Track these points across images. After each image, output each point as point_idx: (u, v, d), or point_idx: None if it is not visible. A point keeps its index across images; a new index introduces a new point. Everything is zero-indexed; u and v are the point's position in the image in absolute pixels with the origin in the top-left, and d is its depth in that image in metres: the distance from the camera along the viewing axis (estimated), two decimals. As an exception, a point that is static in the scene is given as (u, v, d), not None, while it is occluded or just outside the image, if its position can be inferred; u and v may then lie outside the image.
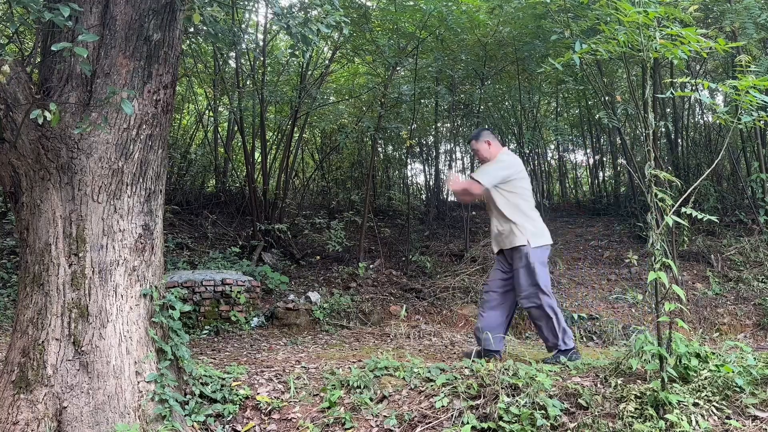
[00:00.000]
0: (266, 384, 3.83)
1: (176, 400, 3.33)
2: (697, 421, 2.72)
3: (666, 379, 2.87)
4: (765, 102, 2.98)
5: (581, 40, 3.36)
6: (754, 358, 3.29)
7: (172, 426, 3.23)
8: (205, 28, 3.99)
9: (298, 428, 3.38)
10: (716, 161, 4.01)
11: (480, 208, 11.54)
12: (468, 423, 3.03)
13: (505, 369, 3.41)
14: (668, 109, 9.39)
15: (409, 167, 12.67)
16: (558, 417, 2.93)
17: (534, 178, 11.71)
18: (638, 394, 2.93)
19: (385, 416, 3.29)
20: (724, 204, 8.62)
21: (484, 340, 4.17)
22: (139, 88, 3.35)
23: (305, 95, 8.61)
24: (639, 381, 3.10)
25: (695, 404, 2.82)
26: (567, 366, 3.67)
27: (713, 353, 3.31)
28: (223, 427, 3.46)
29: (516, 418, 2.98)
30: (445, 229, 9.92)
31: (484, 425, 3.01)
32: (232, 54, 8.70)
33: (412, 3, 7.50)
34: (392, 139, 11.06)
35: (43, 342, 3.15)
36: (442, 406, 3.25)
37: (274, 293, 7.31)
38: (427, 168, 12.33)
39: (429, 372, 3.64)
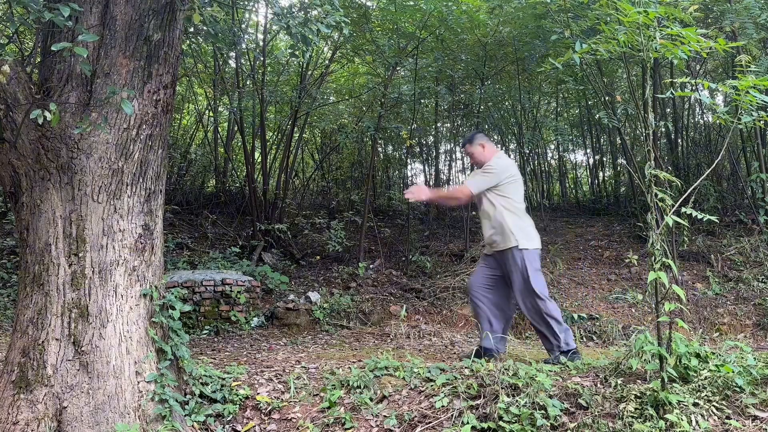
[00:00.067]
0: (266, 384, 3.83)
1: (176, 400, 3.33)
2: (697, 421, 2.72)
3: (666, 379, 2.87)
4: (765, 102, 2.98)
5: (581, 40, 3.36)
6: (754, 358, 3.29)
7: (172, 426, 3.23)
8: (205, 28, 4.00)
9: (298, 428, 3.38)
10: (716, 161, 4.01)
11: (480, 208, 11.53)
12: (468, 423, 3.03)
13: (505, 369, 3.41)
14: (668, 109, 9.40)
15: (409, 167, 12.69)
16: (558, 417, 2.93)
17: (534, 178, 11.72)
18: (638, 394, 2.93)
19: (385, 416, 3.29)
20: (724, 204, 8.62)
21: (483, 339, 4.18)
22: (139, 88, 3.35)
23: (305, 95, 8.61)
24: (639, 381, 3.10)
25: (695, 404, 2.82)
26: (567, 366, 3.68)
27: (713, 353, 3.31)
28: (223, 427, 3.46)
29: (516, 418, 2.98)
30: (445, 229, 9.91)
31: (484, 425, 3.01)
32: (232, 54, 8.71)
33: (412, 3, 7.50)
34: (392, 139, 11.07)
35: (43, 342, 3.15)
36: (442, 406, 3.25)
37: (274, 293, 7.31)
38: (427, 168, 12.34)
39: (429, 372, 3.64)
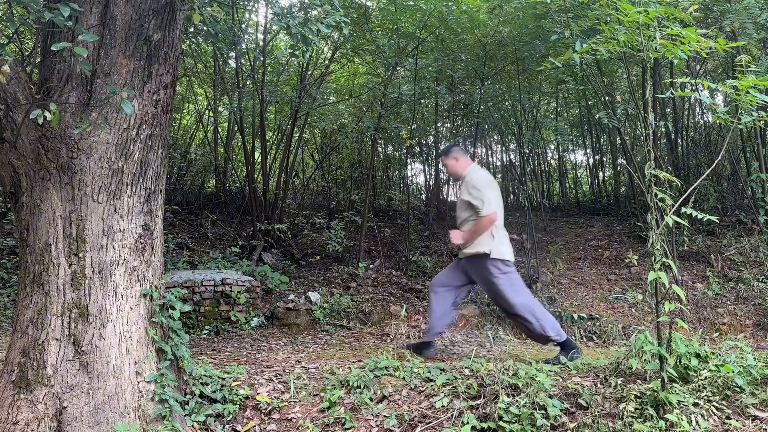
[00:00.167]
0: (266, 384, 3.83)
1: (176, 400, 3.33)
2: (697, 421, 2.72)
3: (666, 379, 2.87)
4: (765, 102, 2.98)
5: (581, 40, 3.36)
6: (754, 358, 3.29)
7: (172, 426, 3.23)
8: (205, 28, 3.99)
9: (298, 428, 3.38)
10: (716, 161, 4.01)
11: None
12: (468, 423, 3.03)
13: (505, 369, 3.41)
14: (668, 109, 9.39)
15: (409, 167, 12.68)
16: (558, 417, 2.93)
17: (534, 178, 11.72)
18: (638, 394, 2.93)
19: (385, 416, 3.29)
20: (724, 204, 8.62)
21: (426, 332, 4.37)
22: (139, 88, 3.35)
23: (305, 95, 8.61)
24: (639, 381, 3.10)
25: (695, 404, 2.82)
26: (567, 366, 3.68)
27: (713, 353, 3.31)
28: (223, 427, 3.46)
29: (516, 418, 2.98)
30: (445, 229, 9.90)
31: (484, 425, 3.01)
32: (232, 54, 8.70)
33: (412, 3, 7.50)
34: (392, 139, 11.06)
35: (43, 342, 3.15)
36: (442, 406, 3.25)
37: (274, 293, 7.31)
38: (427, 168, 12.34)
39: (429, 372, 3.64)
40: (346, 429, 3.26)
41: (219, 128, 10.97)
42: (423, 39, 7.97)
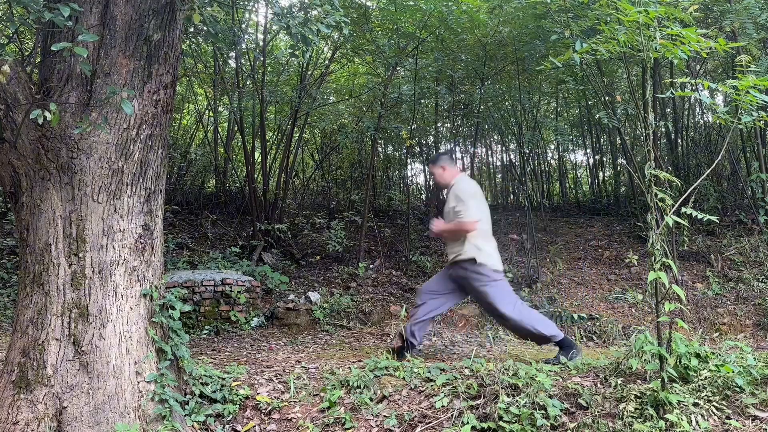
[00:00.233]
0: (266, 384, 3.83)
1: (176, 400, 3.33)
2: (697, 421, 2.72)
3: (666, 379, 2.87)
4: (765, 102, 2.98)
5: (581, 40, 3.36)
6: (754, 358, 3.29)
7: (172, 426, 3.23)
8: (205, 28, 4.00)
9: (298, 428, 3.38)
10: (716, 161, 4.01)
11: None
12: (468, 423, 3.03)
13: (505, 369, 3.41)
14: (668, 109, 9.39)
15: (409, 167, 12.68)
16: (558, 417, 2.93)
17: (534, 178, 11.72)
18: (638, 394, 2.93)
19: (385, 416, 3.29)
20: (724, 204, 8.62)
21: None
22: (139, 88, 3.35)
23: (305, 95, 8.61)
24: (639, 381, 3.10)
25: (695, 404, 2.82)
26: (567, 366, 3.68)
27: (713, 353, 3.31)
28: (223, 427, 3.46)
29: (516, 418, 2.98)
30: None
31: (484, 425, 3.01)
32: (232, 54, 8.70)
33: (412, 3, 7.50)
34: (392, 139, 11.06)
35: (43, 342, 3.15)
36: (442, 406, 3.25)
37: (274, 293, 7.31)
38: (427, 168, 12.34)
39: (429, 372, 3.64)
40: (346, 429, 3.26)
41: (219, 128, 10.97)
42: (423, 39, 7.97)
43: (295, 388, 3.72)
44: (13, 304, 6.30)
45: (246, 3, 7.45)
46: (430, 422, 3.17)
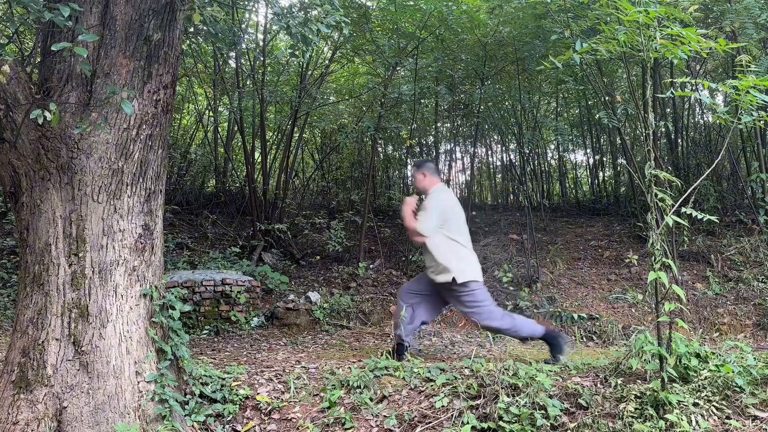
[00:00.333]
0: (266, 384, 3.83)
1: (176, 400, 3.33)
2: (697, 421, 2.72)
3: (666, 379, 2.87)
4: (765, 102, 2.98)
5: (581, 40, 3.36)
6: (754, 358, 3.29)
7: (172, 426, 3.23)
8: (205, 28, 4.00)
9: (298, 428, 3.38)
10: (716, 161, 4.01)
11: (480, 208, 11.54)
12: (468, 423, 3.03)
13: (505, 369, 3.41)
14: (668, 109, 9.39)
15: (409, 167, 12.67)
16: (558, 417, 2.93)
17: (534, 178, 11.72)
18: (638, 394, 2.93)
19: (385, 416, 3.29)
20: (724, 204, 8.62)
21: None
22: (139, 88, 3.35)
23: (305, 95, 8.61)
24: (639, 381, 3.10)
25: (695, 404, 2.82)
26: (567, 366, 3.68)
27: (713, 353, 3.31)
28: (223, 427, 3.46)
29: (516, 418, 2.98)
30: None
31: (484, 425, 3.01)
32: (232, 54, 8.70)
33: (412, 3, 7.50)
34: (392, 139, 11.06)
35: (43, 342, 3.15)
36: (442, 406, 3.25)
37: (274, 293, 7.31)
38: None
39: (429, 372, 3.64)
40: (346, 429, 3.26)
41: (219, 128, 10.97)
42: (423, 39, 7.97)
43: (295, 388, 3.72)
44: (13, 304, 6.30)
45: (246, 3, 7.45)
46: (430, 422, 3.17)
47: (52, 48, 2.85)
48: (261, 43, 8.86)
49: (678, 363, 3.06)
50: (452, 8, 7.19)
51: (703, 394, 2.91)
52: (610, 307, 6.57)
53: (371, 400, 3.46)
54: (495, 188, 13.66)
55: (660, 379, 2.86)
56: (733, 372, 3.04)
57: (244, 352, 5.08)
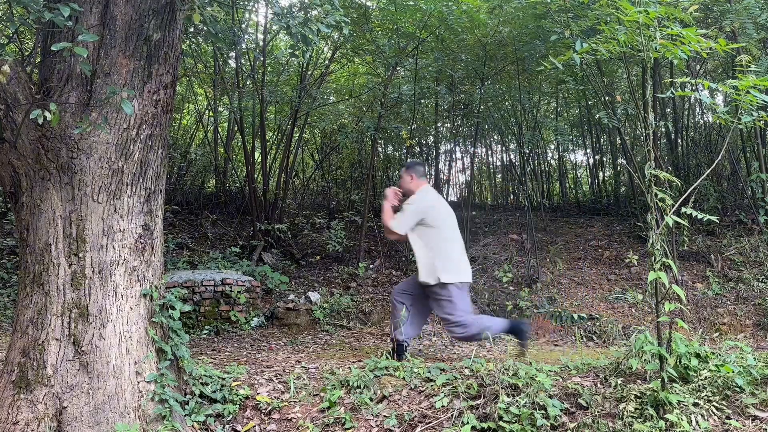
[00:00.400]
0: (266, 384, 3.83)
1: (176, 400, 3.33)
2: (697, 421, 2.72)
3: (666, 379, 2.87)
4: (765, 102, 2.98)
5: (581, 40, 3.36)
6: (754, 358, 3.29)
7: (172, 426, 3.23)
8: (205, 28, 4.00)
9: (298, 428, 3.38)
10: (716, 161, 4.01)
11: (480, 208, 11.54)
12: (468, 423, 3.03)
13: (505, 369, 3.41)
14: (668, 109, 9.39)
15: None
16: (558, 417, 2.93)
17: (534, 178, 11.72)
18: (638, 394, 2.93)
19: (385, 416, 3.29)
20: (724, 204, 8.62)
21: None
22: (139, 88, 3.35)
23: (305, 95, 8.61)
24: (639, 381, 3.10)
25: (695, 404, 2.82)
26: (567, 366, 3.68)
27: (713, 353, 3.31)
28: (223, 427, 3.46)
29: (516, 418, 2.98)
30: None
31: (484, 425, 3.01)
32: (232, 54, 8.70)
33: (412, 3, 7.50)
34: (392, 139, 11.06)
35: (43, 342, 3.15)
36: (442, 406, 3.25)
37: (274, 293, 7.31)
38: (427, 168, 12.33)
39: (429, 372, 3.64)
40: (346, 429, 3.26)
41: (219, 128, 10.97)
42: (423, 39, 7.97)
43: (295, 388, 3.72)
44: (13, 304, 6.30)
45: (246, 3, 7.45)
46: (430, 422, 3.17)
47: (52, 48, 2.85)
48: (261, 43, 8.86)
49: (678, 363, 3.06)
50: (452, 8, 7.19)
51: (703, 394, 2.91)
52: (610, 307, 6.57)
53: (371, 400, 3.46)
54: (495, 188, 13.66)
55: (660, 379, 2.86)
56: (733, 372, 3.04)
57: (244, 352, 5.08)
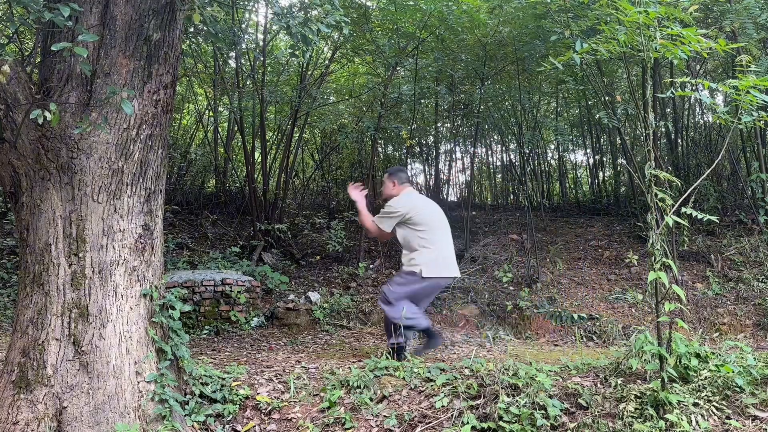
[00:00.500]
0: (266, 384, 3.83)
1: (176, 400, 3.33)
2: (697, 421, 2.72)
3: (666, 379, 2.87)
4: (765, 102, 2.98)
5: (581, 40, 3.36)
6: (754, 358, 3.29)
7: (172, 426, 3.23)
8: (205, 28, 4.00)
9: (298, 428, 3.38)
10: (716, 161, 4.01)
11: (480, 208, 11.54)
12: (468, 423, 3.03)
13: (505, 369, 3.41)
14: (668, 109, 9.39)
15: (409, 167, 12.67)
16: (558, 417, 2.93)
17: (534, 178, 11.72)
18: (638, 394, 2.93)
19: (385, 416, 3.29)
20: (724, 204, 8.62)
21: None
22: (139, 88, 3.35)
23: (305, 95, 8.61)
24: (639, 381, 3.10)
25: (695, 404, 2.82)
26: (567, 366, 3.68)
27: (713, 353, 3.31)
28: (223, 427, 3.46)
29: (516, 418, 2.98)
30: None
31: (484, 425, 3.01)
32: (232, 54, 8.70)
33: (412, 3, 7.50)
34: (392, 139, 11.06)
35: (43, 342, 3.15)
36: (442, 406, 3.25)
37: (274, 293, 7.31)
38: (427, 168, 12.35)
39: (429, 372, 3.64)
40: (346, 429, 3.26)
41: (219, 128, 10.97)
42: (423, 39, 7.97)
43: (295, 388, 3.72)
44: (13, 304, 6.30)
45: (246, 3, 7.45)
46: (430, 422, 3.17)
47: (52, 48, 2.85)
48: (261, 43, 8.86)
49: (678, 363, 3.06)
50: (452, 8, 7.19)
51: (703, 394, 2.91)
52: (610, 307, 6.57)
53: (371, 400, 3.46)
54: (495, 188, 13.66)
55: (660, 379, 2.86)
56: (733, 372, 3.04)
57: (244, 352, 5.08)
